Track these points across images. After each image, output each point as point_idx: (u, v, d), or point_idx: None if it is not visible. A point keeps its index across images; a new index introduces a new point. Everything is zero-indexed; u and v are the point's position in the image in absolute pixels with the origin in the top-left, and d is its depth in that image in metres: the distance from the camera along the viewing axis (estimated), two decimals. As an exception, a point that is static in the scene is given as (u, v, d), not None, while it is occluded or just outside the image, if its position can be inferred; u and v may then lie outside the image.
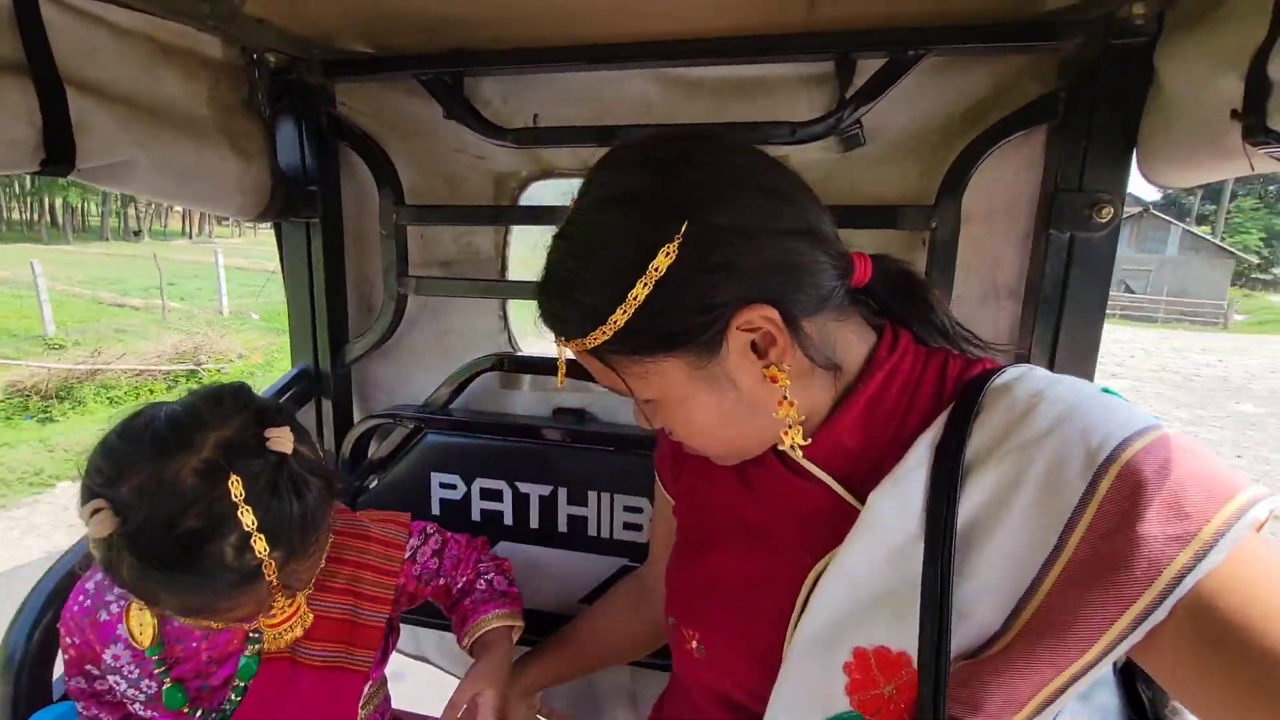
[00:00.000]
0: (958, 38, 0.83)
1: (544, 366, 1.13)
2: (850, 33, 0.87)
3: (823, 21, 0.88)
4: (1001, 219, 0.90)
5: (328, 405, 1.19)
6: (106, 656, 0.73)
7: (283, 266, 1.15)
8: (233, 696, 0.74)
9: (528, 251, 1.30)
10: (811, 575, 0.54)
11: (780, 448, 0.54)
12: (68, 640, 0.76)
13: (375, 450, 1.18)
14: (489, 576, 0.94)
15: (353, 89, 1.11)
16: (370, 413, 1.21)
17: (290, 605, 0.68)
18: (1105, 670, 0.55)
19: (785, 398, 0.52)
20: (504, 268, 1.22)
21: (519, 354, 1.20)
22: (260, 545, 0.58)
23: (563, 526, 1.10)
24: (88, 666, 0.76)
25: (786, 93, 0.98)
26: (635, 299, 0.48)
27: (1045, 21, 0.80)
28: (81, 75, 0.75)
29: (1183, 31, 0.70)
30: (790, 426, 0.53)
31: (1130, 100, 0.77)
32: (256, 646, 0.74)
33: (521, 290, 1.11)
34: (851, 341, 0.57)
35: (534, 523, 1.10)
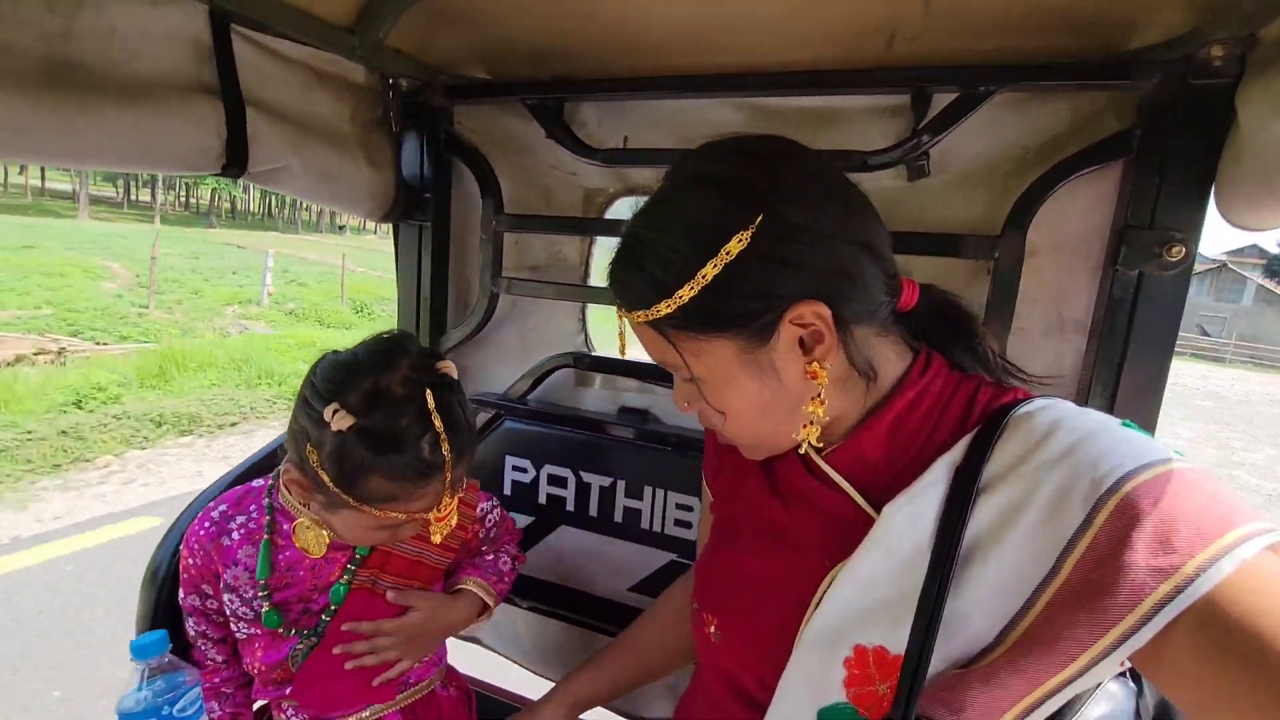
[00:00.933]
0: (1033, 75, 0.85)
1: (614, 367, 1.22)
2: (926, 69, 0.91)
3: (900, 57, 0.92)
4: (1069, 253, 0.90)
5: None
6: (226, 576, 0.87)
7: (396, 263, 1.31)
8: (324, 618, 0.86)
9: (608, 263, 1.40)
10: (827, 579, 0.57)
11: (796, 439, 0.57)
12: (189, 560, 0.88)
13: (459, 431, 1.31)
14: (502, 558, 1.04)
15: (468, 110, 1.26)
16: None
17: (449, 505, 0.80)
18: (1115, 710, 0.57)
19: (818, 395, 0.55)
20: (586, 275, 1.32)
21: (593, 354, 1.29)
22: (445, 446, 0.73)
23: (619, 517, 1.17)
24: (203, 586, 0.88)
25: (861, 122, 1.03)
26: (704, 278, 0.52)
27: (1123, 61, 0.80)
28: (257, 96, 0.92)
29: (1265, 74, 0.69)
30: (811, 423, 0.56)
31: (1208, 140, 0.76)
32: (349, 577, 0.86)
33: (601, 296, 1.20)
34: (889, 358, 0.60)
35: (593, 510, 1.19)
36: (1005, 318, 0.89)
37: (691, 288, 0.52)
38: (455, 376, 0.80)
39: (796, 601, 0.59)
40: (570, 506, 1.20)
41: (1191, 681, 0.42)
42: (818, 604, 0.57)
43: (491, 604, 0.98)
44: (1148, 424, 0.83)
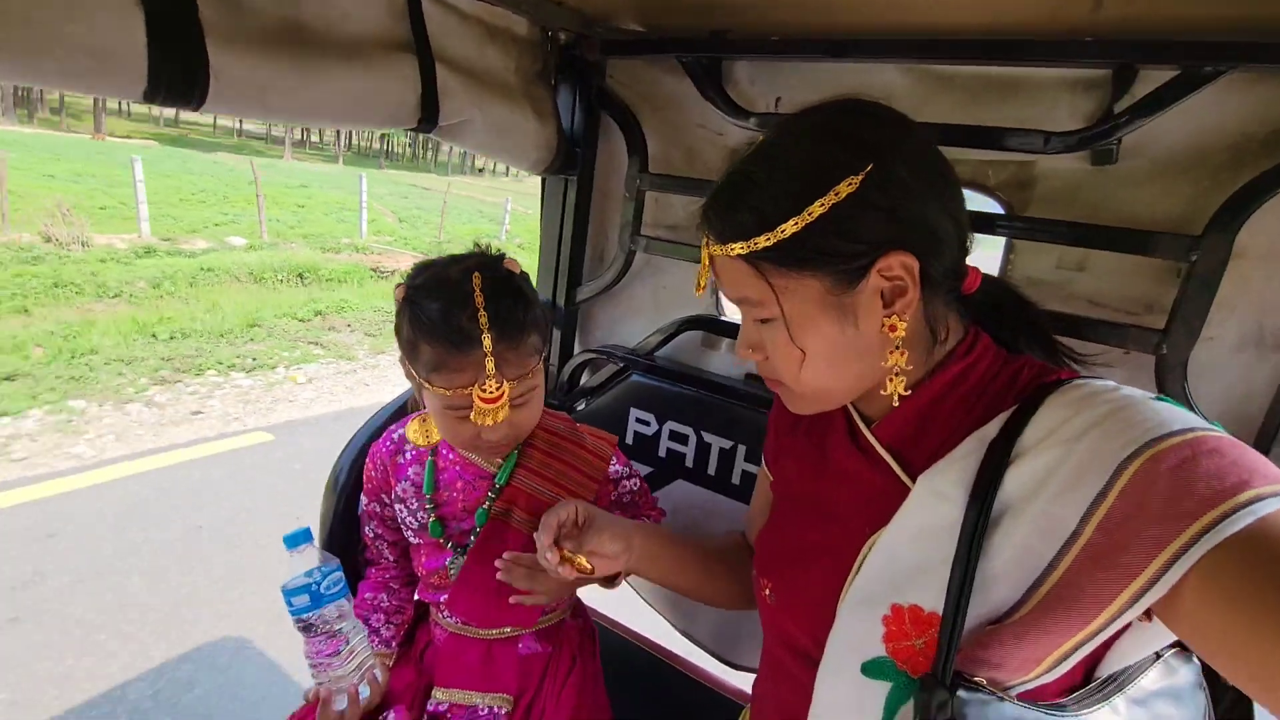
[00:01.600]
0: (1269, 55, 0.75)
1: None
2: (1137, 40, 0.82)
3: (1108, 24, 0.83)
4: None
5: (556, 334, 1.41)
6: (397, 489, 1.00)
7: (542, 213, 1.37)
8: (471, 538, 0.96)
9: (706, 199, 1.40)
10: (867, 545, 0.62)
11: (884, 393, 0.60)
12: (371, 471, 1.03)
13: (588, 379, 1.39)
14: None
15: (621, 65, 1.27)
16: (589, 347, 1.42)
17: (497, 389, 0.80)
18: (1176, 683, 0.59)
19: (898, 347, 0.58)
20: None
21: (722, 318, 1.31)
22: (483, 319, 0.78)
23: (736, 479, 1.21)
24: (381, 494, 1.02)
25: (1047, 95, 0.94)
26: (810, 214, 0.55)
27: None
28: (443, 52, 0.97)
29: None
30: (896, 374, 0.59)
31: None
32: (488, 504, 0.95)
33: None
34: (951, 331, 0.63)
35: (711, 469, 1.23)
36: (1194, 325, 0.82)
37: (796, 223, 0.55)
38: (517, 271, 0.87)
39: (840, 566, 0.64)
40: (689, 463, 1.25)
41: (1205, 629, 0.44)
42: (858, 569, 0.62)
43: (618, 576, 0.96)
44: None
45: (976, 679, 0.53)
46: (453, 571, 0.97)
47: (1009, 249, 1.00)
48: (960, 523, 0.54)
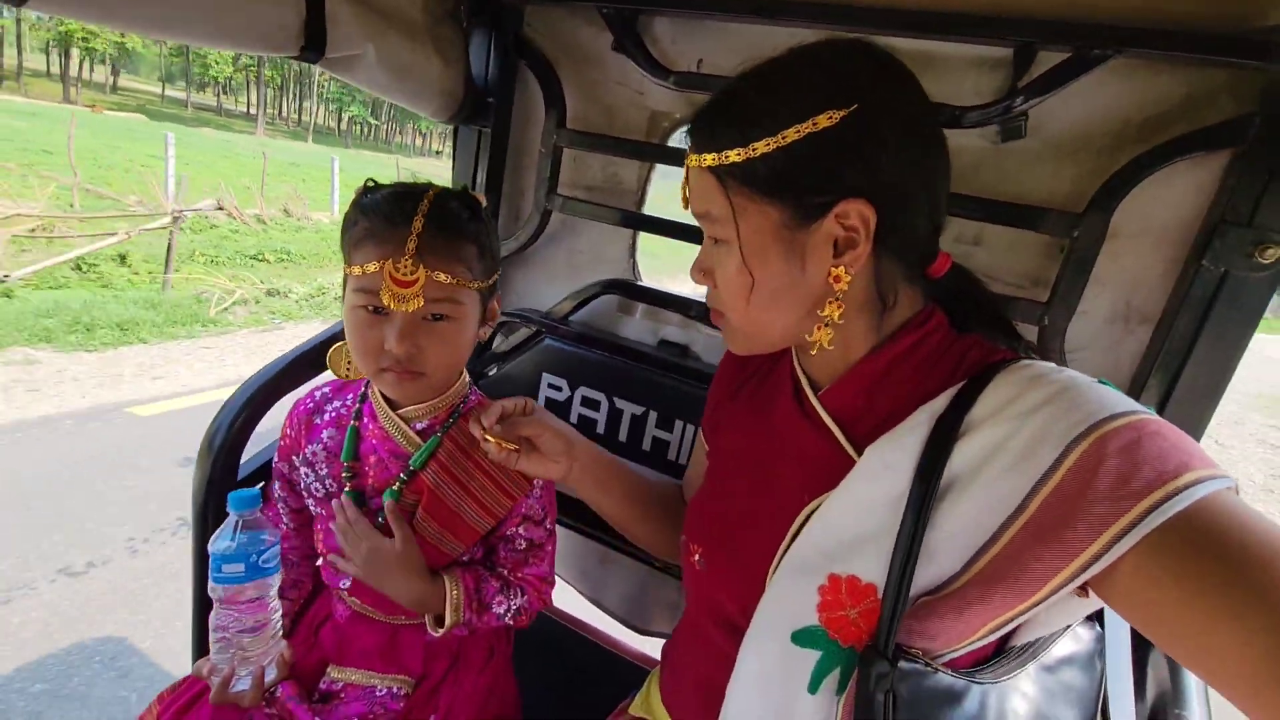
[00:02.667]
0: (1155, 42, 0.79)
1: (658, 298, 1.22)
2: (1038, 21, 0.84)
3: (1011, 5, 0.85)
4: (1152, 240, 0.86)
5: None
6: (306, 450, 0.92)
7: (453, 168, 1.30)
8: (378, 520, 0.88)
9: (665, 192, 1.37)
10: (804, 511, 0.62)
11: (809, 339, 0.61)
12: (288, 430, 0.95)
13: (500, 343, 1.34)
14: (508, 598, 0.92)
15: (540, 12, 1.20)
16: (501, 310, 1.36)
17: (413, 271, 0.75)
18: (1080, 650, 0.62)
19: (838, 299, 0.58)
20: (642, 201, 1.30)
21: (639, 283, 1.29)
22: (423, 206, 0.77)
23: (646, 445, 1.21)
24: (293, 456, 0.94)
25: (955, 72, 0.96)
26: (783, 139, 0.54)
27: (1258, 39, 0.74)
28: (333, -26, 0.88)
29: None
30: (825, 325, 0.59)
31: None
32: (399, 485, 0.88)
33: (654, 225, 1.19)
34: (904, 303, 0.62)
35: (622, 436, 1.22)
36: (1072, 300, 0.86)
37: (769, 144, 0.55)
38: (482, 202, 0.85)
39: (776, 532, 0.63)
40: (600, 430, 1.24)
41: (1142, 604, 0.46)
42: (795, 534, 0.61)
43: (448, 622, 0.87)
44: (1200, 426, 0.82)
45: (913, 650, 0.53)
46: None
47: None
48: (906, 495, 0.54)
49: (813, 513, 0.61)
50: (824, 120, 0.54)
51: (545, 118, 1.21)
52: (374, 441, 0.90)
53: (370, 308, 0.78)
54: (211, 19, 0.76)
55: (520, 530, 0.93)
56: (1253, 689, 0.40)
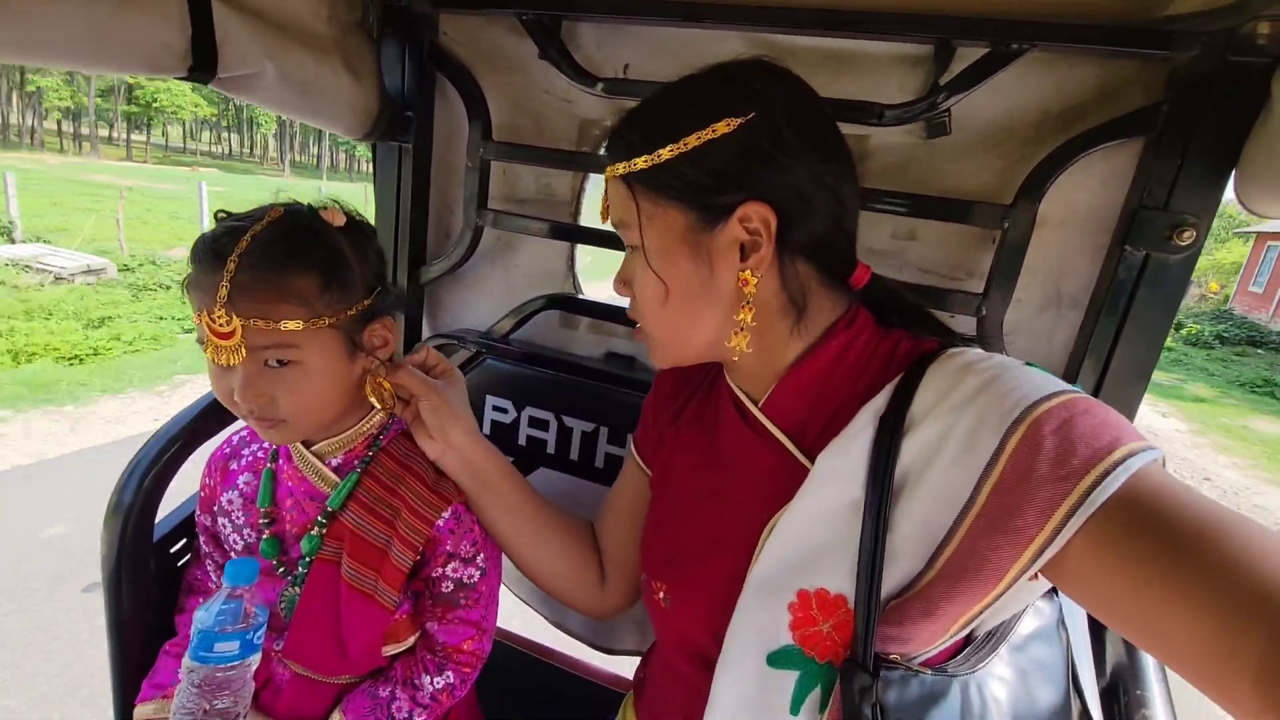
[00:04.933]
0: (1066, 35, 0.81)
1: (602, 311, 1.18)
2: (953, 17, 0.86)
3: (927, 3, 0.86)
4: (1077, 227, 0.89)
5: (400, 319, 1.28)
6: (223, 499, 0.85)
7: (375, 186, 1.23)
8: (301, 569, 0.81)
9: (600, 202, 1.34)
10: (766, 530, 0.61)
11: (728, 345, 0.61)
12: (205, 480, 0.88)
13: (438, 367, 1.27)
14: (425, 684, 0.84)
15: (456, 21, 1.15)
16: (438, 331, 1.30)
17: (227, 323, 0.67)
18: (1044, 624, 0.63)
19: (748, 303, 0.59)
20: (577, 212, 1.26)
21: (580, 296, 1.25)
22: (244, 242, 0.68)
23: (599, 462, 1.17)
24: (213, 507, 0.87)
25: (878, 70, 0.97)
26: (685, 144, 0.57)
27: (1162, 30, 0.77)
28: (223, -13, 0.81)
29: (1309, 56, 0.67)
30: (740, 330, 0.60)
31: (1238, 122, 0.74)
32: (318, 529, 0.81)
33: (591, 236, 1.15)
34: (824, 306, 0.63)
35: (574, 454, 1.18)
36: (1007, 289, 0.88)
37: (672, 150, 0.57)
38: (335, 221, 0.75)
39: (740, 555, 0.62)
40: (551, 449, 1.19)
41: (1093, 587, 0.47)
42: (759, 555, 0.60)
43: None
44: (1133, 405, 0.85)
45: (892, 657, 0.53)
46: (285, 608, 0.81)
47: None
48: (862, 500, 0.54)
49: (773, 529, 0.60)
50: (723, 126, 0.56)
51: (469, 130, 1.16)
52: (289, 484, 0.83)
53: (211, 360, 0.70)
54: (83, 40, 0.68)
55: (447, 570, 0.83)
56: (1205, 667, 0.41)
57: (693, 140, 0.56)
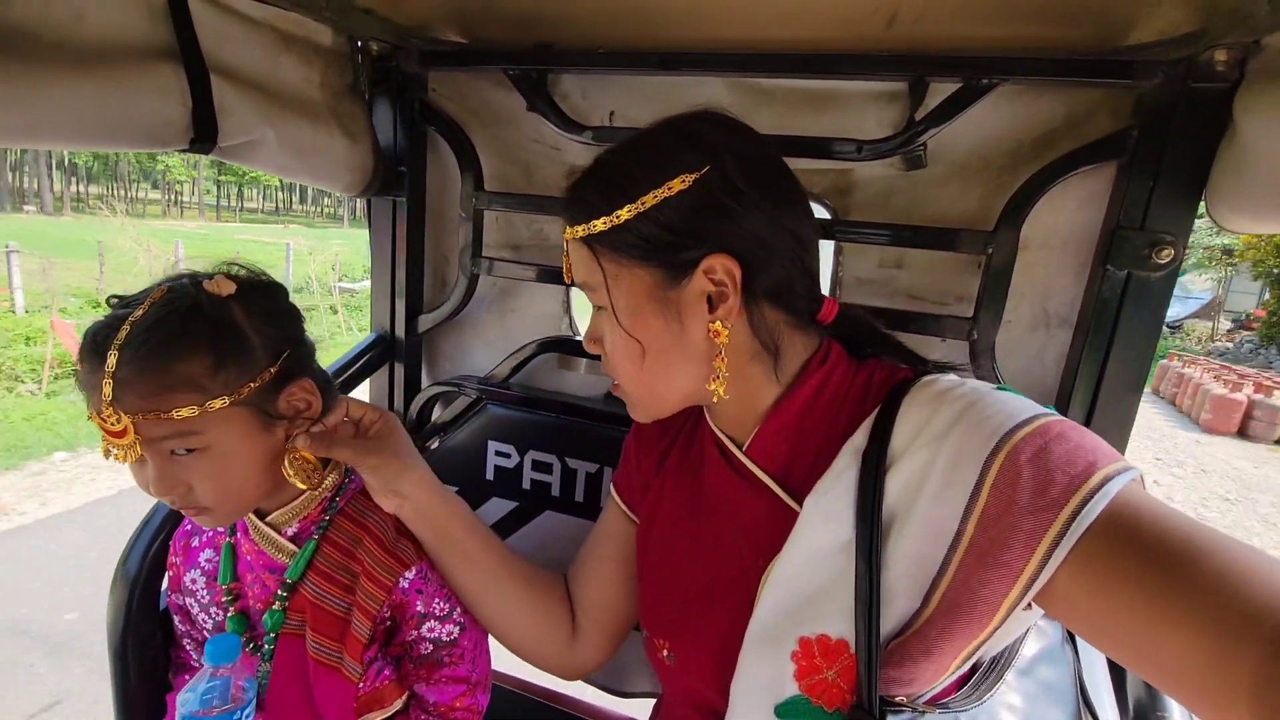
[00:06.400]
0: (1033, 69, 0.84)
1: None
2: (926, 56, 0.89)
3: (899, 42, 0.90)
4: (1059, 250, 0.92)
5: (400, 370, 1.29)
6: (186, 579, 0.84)
7: (371, 240, 1.25)
8: (267, 646, 0.79)
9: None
10: (763, 579, 0.60)
11: (708, 389, 0.62)
12: (173, 559, 0.86)
13: (439, 415, 1.28)
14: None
15: (444, 78, 1.19)
16: (437, 380, 1.31)
17: (117, 423, 0.64)
18: (1048, 644, 0.62)
19: (720, 354, 0.60)
20: None
21: (577, 338, 1.26)
22: (123, 333, 0.64)
23: (604, 503, 1.17)
24: (181, 586, 0.86)
25: (856, 107, 1.01)
26: (643, 204, 0.57)
27: (1124, 59, 0.80)
28: (221, 61, 0.84)
29: (1265, 80, 0.70)
30: (718, 378, 0.61)
31: (1204, 144, 0.77)
32: (279, 604, 0.78)
33: None
34: (797, 347, 0.64)
35: (579, 496, 1.18)
36: (996, 312, 0.90)
37: (630, 210, 0.57)
38: (221, 292, 0.70)
39: (739, 605, 0.62)
40: (556, 492, 1.19)
41: (1082, 614, 0.47)
42: (758, 604, 0.60)
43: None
44: (1126, 419, 0.87)
45: (898, 699, 0.52)
46: (261, 685, 0.79)
47: (837, 251, 1.06)
48: (853, 541, 0.54)
49: (769, 578, 0.60)
50: (678, 184, 0.57)
51: (461, 181, 1.18)
52: (249, 558, 0.81)
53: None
54: (89, 122, 0.70)
55: (423, 631, 0.80)
56: (1200, 688, 0.41)
57: (649, 199, 0.57)
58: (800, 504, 0.60)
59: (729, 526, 0.67)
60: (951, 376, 0.61)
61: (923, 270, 1.01)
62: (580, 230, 0.61)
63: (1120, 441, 0.87)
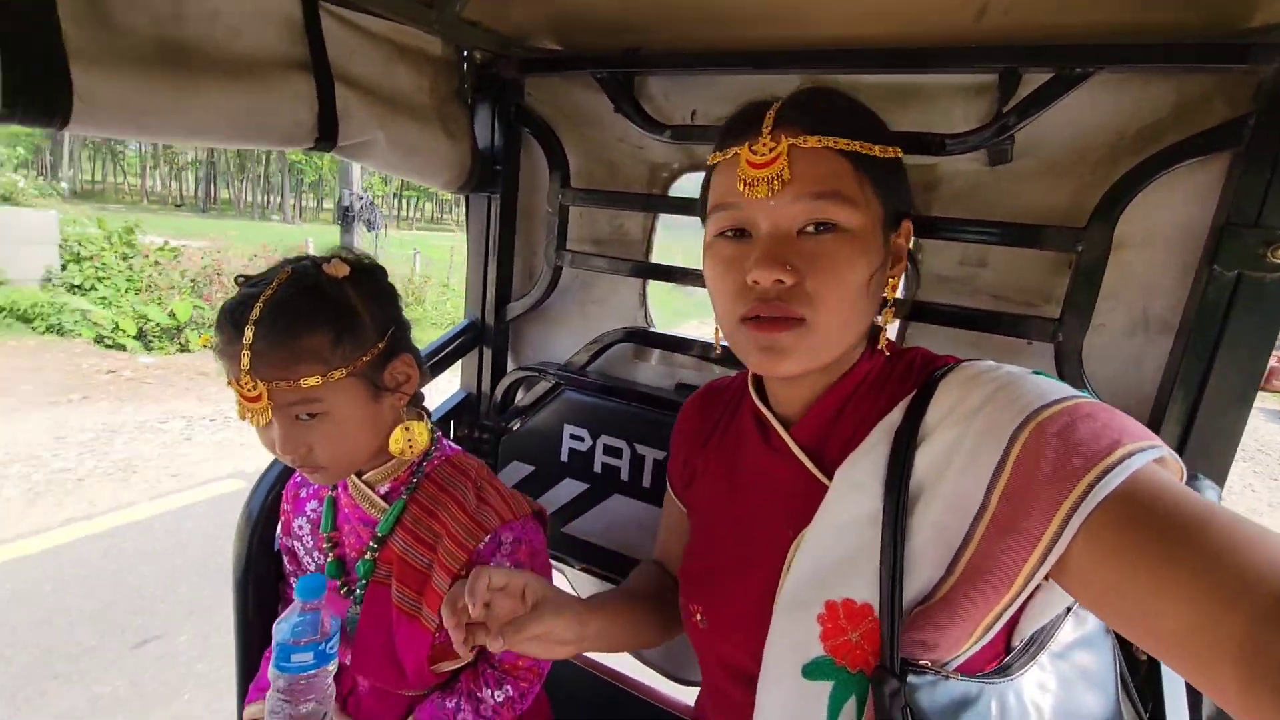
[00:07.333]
0: (1137, 56, 0.79)
1: (672, 343, 1.24)
2: (1018, 47, 0.86)
3: (990, 33, 0.87)
4: (1161, 247, 0.85)
5: (488, 354, 1.39)
6: (294, 525, 0.95)
7: (467, 233, 1.36)
8: (358, 590, 0.88)
9: (671, 239, 1.42)
10: (793, 548, 0.63)
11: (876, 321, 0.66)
12: (285, 505, 0.99)
13: (522, 398, 1.37)
14: (489, 696, 0.88)
15: (539, 82, 1.27)
16: (521, 365, 1.40)
17: (253, 388, 0.72)
18: (1088, 631, 0.62)
19: (889, 306, 0.66)
20: (649, 250, 1.33)
21: (652, 329, 1.31)
22: (257, 310, 0.73)
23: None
24: (290, 531, 0.97)
25: (943, 101, 0.98)
26: (887, 152, 0.61)
27: (1241, 42, 0.74)
28: (345, 71, 0.96)
29: None
30: (884, 330, 0.67)
31: None
32: (370, 554, 0.87)
33: (661, 273, 1.21)
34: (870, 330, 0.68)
35: (646, 482, 1.22)
36: (1085, 313, 0.85)
37: (883, 151, 0.62)
38: (339, 274, 0.79)
39: (770, 573, 0.64)
40: (624, 477, 1.24)
41: (1090, 583, 0.47)
42: (787, 571, 0.62)
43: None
44: (1232, 433, 0.79)
45: (921, 662, 0.54)
46: (350, 626, 0.88)
47: (916, 248, 1.03)
48: (880, 511, 0.56)
49: (799, 547, 0.62)
50: (893, 152, 0.62)
51: (550, 179, 1.26)
52: (347, 510, 0.90)
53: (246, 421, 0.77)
54: (236, 123, 0.83)
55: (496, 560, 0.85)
56: (1190, 650, 0.41)
57: (891, 152, 0.61)
58: (830, 478, 0.62)
59: (763, 500, 0.69)
60: (989, 362, 0.61)
61: (1007, 268, 0.97)
62: (843, 143, 0.58)
63: (1224, 458, 0.80)
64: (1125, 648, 0.65)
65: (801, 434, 0.67)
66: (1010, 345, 0.95)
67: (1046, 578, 0.50)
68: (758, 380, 0.74)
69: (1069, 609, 0.60)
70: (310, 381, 0.74)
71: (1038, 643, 0.59)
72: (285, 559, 1.01)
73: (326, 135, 0.92)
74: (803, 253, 0.58)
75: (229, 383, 0.75)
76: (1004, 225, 0.90)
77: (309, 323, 0.75)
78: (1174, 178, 0.81)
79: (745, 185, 0.59)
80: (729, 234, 0.62)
